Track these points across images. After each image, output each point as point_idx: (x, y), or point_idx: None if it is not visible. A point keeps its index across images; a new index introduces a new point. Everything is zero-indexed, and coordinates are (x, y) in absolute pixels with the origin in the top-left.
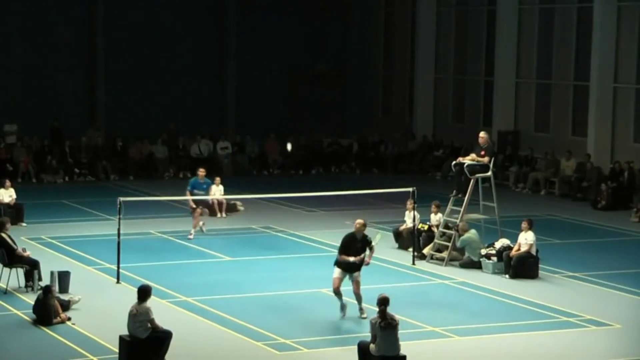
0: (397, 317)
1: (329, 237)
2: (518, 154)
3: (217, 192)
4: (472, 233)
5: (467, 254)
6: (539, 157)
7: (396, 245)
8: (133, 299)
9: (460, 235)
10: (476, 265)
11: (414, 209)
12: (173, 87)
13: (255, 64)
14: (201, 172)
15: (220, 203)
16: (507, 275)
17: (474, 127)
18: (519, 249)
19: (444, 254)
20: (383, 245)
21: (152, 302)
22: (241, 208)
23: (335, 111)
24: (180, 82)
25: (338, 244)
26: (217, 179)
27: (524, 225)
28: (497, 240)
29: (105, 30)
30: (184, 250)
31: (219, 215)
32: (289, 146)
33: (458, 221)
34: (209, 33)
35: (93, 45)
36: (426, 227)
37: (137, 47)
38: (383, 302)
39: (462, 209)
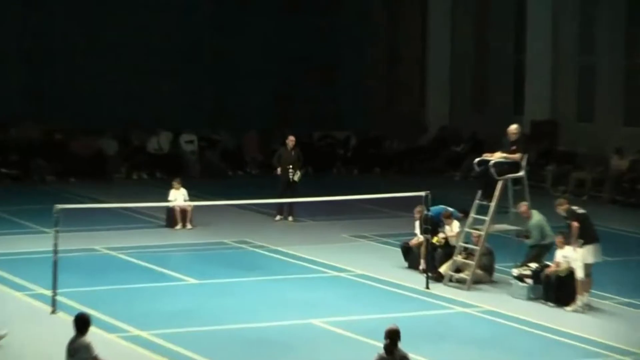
0: (410, 355)
1: (321, 253)
2: (556, 149)
3: (178, 197)
4: (538, 215)
5: (535, 240)
6: (582, 153)
7: (405, 264)
8: (72, 332)
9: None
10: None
11: (426, 218)
12: (131, 72)
13: (234, 44)
14: None
15: (183, 211)
16: (549, 303)
17: (501, 116)
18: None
19: (466, 274)
20: (388, 264)
21: (94, 336)
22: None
23: (328, 99)
24: (141, 66)
25: (332, 262)
26: (177, 182)
27: (559, 240)
28: (531, 259)
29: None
30: (139, 271)
31: (180, 226)
32: (296, 176)
33: (484, 232)
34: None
35: (30, 23)
36: (441, 239)
37: (87, 25)
38: (392, 335)
39: (488, 218)
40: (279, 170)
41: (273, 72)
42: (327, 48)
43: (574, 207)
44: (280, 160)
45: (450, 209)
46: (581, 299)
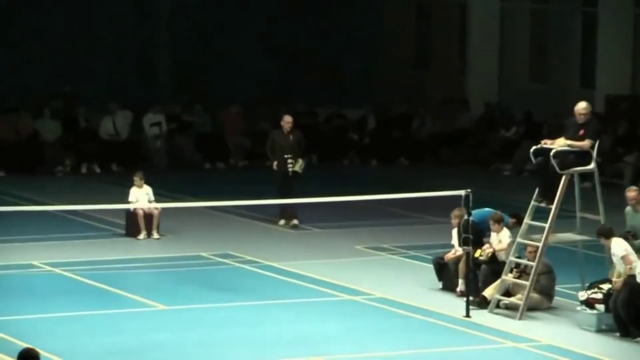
0: None
1: (328, 271)
2: (638, 135)
3: (141, 197)
4: None
5: None
6: None
7: (439, 284)
8: None
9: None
10: None
11: (468, 224)
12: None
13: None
14: None
15: (148, 215)
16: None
17: (566, 90)
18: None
19: (518, 298)
20: (416, 285)
21: None
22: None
23: (335, 66)
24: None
25: (343, 283)
26: (139, 177)
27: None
28: (606, 279)
29: None
30: (90, 293)
31: (144, 235)
32: (297, 166)
33: (541, 243)
34: None
35: None
36: (487, 253)
37: None
38: None
39: (547, 225)
40: (275, 163)
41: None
42: None
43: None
44: (274, 147)
45: (499, 213)
46: None
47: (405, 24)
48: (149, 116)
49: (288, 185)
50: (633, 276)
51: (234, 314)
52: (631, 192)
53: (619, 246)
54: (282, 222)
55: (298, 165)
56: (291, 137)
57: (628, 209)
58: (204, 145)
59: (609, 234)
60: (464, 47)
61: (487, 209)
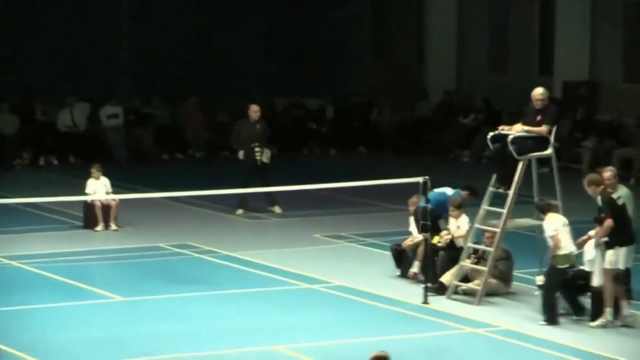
0: None
1: (287, 260)
2: (596, 120)
3: (99, 189)
4: (625, 190)
5: None
6: (631, 125)
7: (397, 272)
8: None
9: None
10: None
11: (426, 212)
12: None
13: None
14: None
15: (106, 207)
16: (597, 321)
17: (525, 77)
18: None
19: (476, 284)
20: (374, 273)
21: None
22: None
23: (293, 56)
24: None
25: (302, 271)
26: (96, 169)
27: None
28: None
29: None
30: (49, 286)
31: (101, 227)
32: (265, 156)
33: (499, 229)
34: None
35: None
36: (445, 239)
37: None
38: None
39: (505, 211)
40: (241, 153)
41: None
42: None
43: (612, 194)
44: (240, 137)
45: (451, 191)
46: (609, 312)
47: (363, 15)
48: (106, 108)
49: (256, 175)
50: (555, 258)
51: (193, 305)
52: (607, 173)
53: (549, 224)
54: (240, 211)
55: (266, 156)
56: (258, 126)
57: None
58: (162, 137)
59: (544, 209)
60: (424, 35)
61: (442, 190)
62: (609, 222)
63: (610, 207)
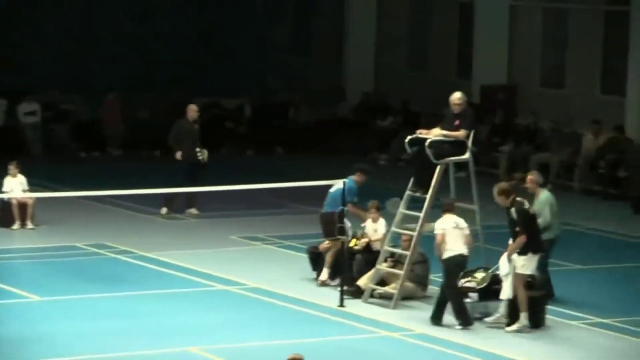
0: None
1: (203, 261)
2: (514, 124)
3: (15, 187)
4: (547, 193)
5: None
6: (548, 129)
7: (313, 274)
8: None
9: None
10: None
11: (342, 214)
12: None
13: None
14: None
15: (22, 205)
16: (512, 326)
17: (444, 79)
18: None
19: (393, 288)
20: (290, 275)
21: None
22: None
23: (210, 51)
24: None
25: (218, 273)
26: (13, 166)
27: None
28: (480, 267)
29: None
30: None
31: (17, 225)
32: (204, 156)
33: (416, 232)
34: None
35: None
36: (362, 242)
37: None
38: None
39: (421, 215)
40: (179, 154)
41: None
42: None
43: (524, 203)
44: (180, 137)
45: (376, 201)
46: (524, 317)
47: (286, 10)
48: (23, 105)
49: (194, 175)
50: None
51: (109, 305)
52: (531, 176)
53: (439, 223)
54: (164, 210)
55: (205, 155)
56: (196, 126)
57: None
58: (80, 134)
59: (443, 208)
60: (342, 35)
61: (338, 185)
62: (522, 239)
63: (523, 219)
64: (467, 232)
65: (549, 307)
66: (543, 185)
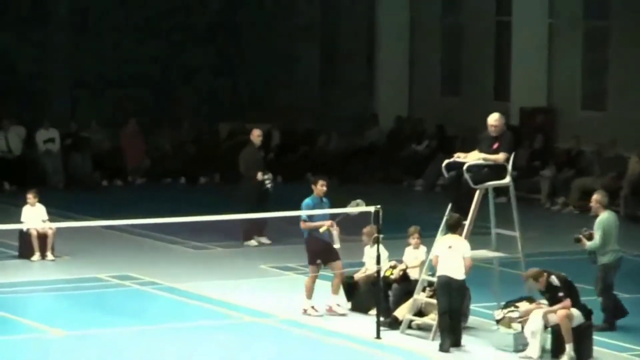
0: None
1: (232, 292)
2: (555, 148)
3: (35, 217)
4: (610, 214)
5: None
6: (590, 153)
7: (348, 305)
8: None
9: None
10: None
11: (378, 242)
12: None
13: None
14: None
15: (42, 236)
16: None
17: (480, 102)
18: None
19: (431, 318)
20: (324, 309)
21: None
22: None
23: (236, 81)
24: None
25: (247, 305)
26: (32, 195)
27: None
28: (522, 297)
29: None
30: None
31: (38, 256)
32: (270, 182)
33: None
34: None
35: None
36: (398, 272)
37: None
38: None
39: None
40: (259, 174)
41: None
42: None
43: (553, 276)
44: (250, 164)
45: (418, 227)
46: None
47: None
48: (41, 132)
49: (262, 203)
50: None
51: (134, 340)
52: (593, 196)
53: (435, 244)
54: (254, 242)
55: (271, 180)
56: (262, 152)
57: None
58: (101, 163)
59: (452, 226)
60: (373, 59)
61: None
62: (568, 303)
63: (567, 286)
64: (462, 254)
65: (599, 337)
66: (587, 210)
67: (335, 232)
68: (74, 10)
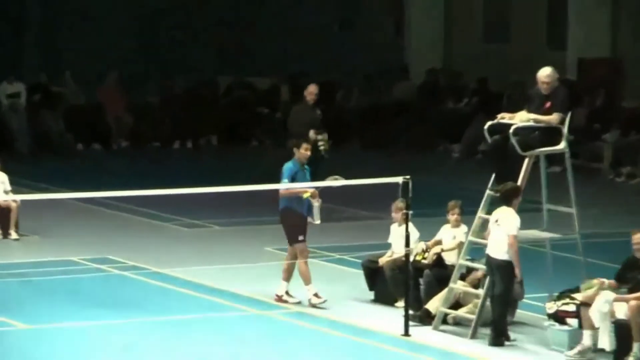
0: None
1: (231, 280)
2: (620, 107)
3: None
4: None
5: None
6: None
7: (370, 294)
8: None
9: None
10: None
11: (407, 219)
12: None
13: None
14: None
15: (4, 210)
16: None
17: (530, 52)
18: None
19: (470, 311)
20: (342, 296)
21: None
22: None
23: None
24: None
25: (251, 294)
26: None
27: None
28: (582, 284)
29: None
30: None
31: None
32: (324, 145)
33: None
34: None
35: None
36: (432, 255)
37: None
38: None
39: None
40: (311, 132)
41: None
42: None
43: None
44: (303, 124)
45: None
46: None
47: None
48: (4, 85)
49: (316, 167)
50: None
51: (112, 335)
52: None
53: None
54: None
55: (327, 144)
56: (317, 111)
57: None
58: (76, 123)
59: (506, 196)
60: (400, 4)
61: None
62: None
63: None
64: (507, 231)
65: None
66: None
67: (317, 204)
68: None
